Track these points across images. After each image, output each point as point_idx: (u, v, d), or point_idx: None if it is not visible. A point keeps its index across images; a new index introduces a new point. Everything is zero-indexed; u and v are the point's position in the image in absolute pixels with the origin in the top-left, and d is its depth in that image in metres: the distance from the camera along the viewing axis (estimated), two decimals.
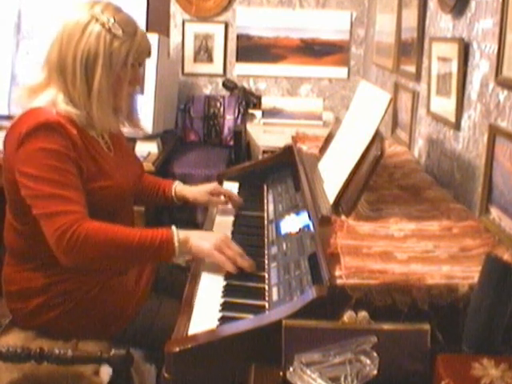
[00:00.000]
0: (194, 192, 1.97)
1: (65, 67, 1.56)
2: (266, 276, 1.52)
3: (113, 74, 1.57)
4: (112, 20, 1.56)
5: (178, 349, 1.18)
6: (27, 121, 1.51)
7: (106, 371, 1.54)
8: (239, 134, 3.44)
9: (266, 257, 1.63)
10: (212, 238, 1.54)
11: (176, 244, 1.50)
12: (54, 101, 1.56)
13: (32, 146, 1.48)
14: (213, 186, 2.02)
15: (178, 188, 1.97)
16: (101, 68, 1.55)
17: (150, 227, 1.59)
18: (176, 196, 1.96)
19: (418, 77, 2.32)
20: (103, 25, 1.55)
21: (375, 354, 1.09)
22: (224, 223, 1.90)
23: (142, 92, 2.98)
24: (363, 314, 1.13)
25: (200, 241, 1.53)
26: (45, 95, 1.58)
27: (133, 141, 2.98)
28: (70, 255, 1.45)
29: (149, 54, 1.68)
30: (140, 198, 1.92)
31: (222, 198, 2.01)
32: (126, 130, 1.80)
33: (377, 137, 1.56)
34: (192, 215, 2.96)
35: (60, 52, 1.56)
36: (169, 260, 1.59)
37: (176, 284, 1.75)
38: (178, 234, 1.52)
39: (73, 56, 1.55)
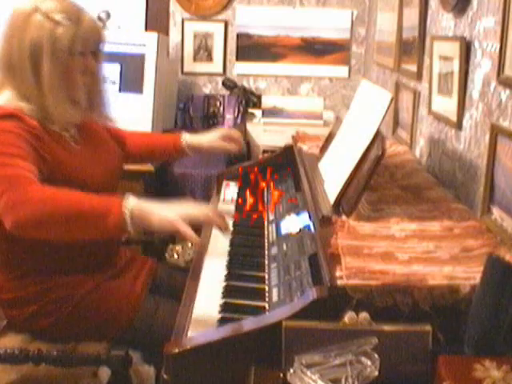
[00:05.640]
0: (207, 140, 1.94)
1: (12, 63, 1.52)
2: (266, 277, 1.52)
3: (60, 63, 1.52)
4: (53, 7, 1.52)
5: (177, 350, 1.17)
6: None
7: (104, 373, 1.53)
8: None
9: (266, 257, 1.62)
10: (177, 207, 1.39)
11: (124, 210, 1.33)
12: (8, 100, 1.52)
13: None
14: (222, 131, 2.00)
15: (189, 139, 1.94)
16: (46, 57, 1.50)
17: None
18: (188, 147, 1.93)
19: (419, 76, 2.31)
20: (45, 13, 1.51)
21: (376, 356, 1.08)
22: None
23: (140, 91, 2.98)
24: (364, 314, 1.13)
25: (161, 210, 1.36)
26: (0, 98, 1.53)
27: None
28: (14, 212, 1.35)
29: (99, 42, 1.61)
30: (149, 158, 1.92)
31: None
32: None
33: (378, 136, 1.55)
34: None
35: (6, 48, 1.53)
36: (121, 232, 1.43)
37: (175, 285, 1.74)
38: (131, 200, 1.36)
39: (18, 50, 1.50)
